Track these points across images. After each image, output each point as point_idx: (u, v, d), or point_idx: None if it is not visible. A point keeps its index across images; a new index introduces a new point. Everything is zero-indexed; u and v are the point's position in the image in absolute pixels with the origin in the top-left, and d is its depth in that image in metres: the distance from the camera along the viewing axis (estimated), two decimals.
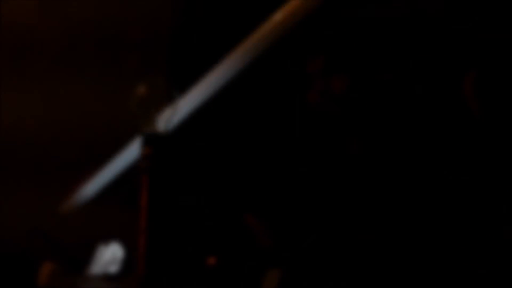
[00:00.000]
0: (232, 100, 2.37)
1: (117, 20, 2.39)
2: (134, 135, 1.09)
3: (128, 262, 1.37)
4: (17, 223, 1.85)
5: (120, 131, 2.26)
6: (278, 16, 1.30)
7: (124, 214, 1.65)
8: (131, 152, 1.42)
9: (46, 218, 1.67)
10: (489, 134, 1.13)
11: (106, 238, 1.46)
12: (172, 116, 1.09)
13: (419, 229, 1.35)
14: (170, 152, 1.09)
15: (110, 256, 1.40)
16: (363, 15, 1.69)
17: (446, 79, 1.19)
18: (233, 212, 1.63)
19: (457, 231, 1.32)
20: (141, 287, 0.99)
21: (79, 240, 1.63)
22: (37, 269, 1.39)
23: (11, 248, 1.56)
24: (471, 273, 1.26)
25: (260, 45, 1.30)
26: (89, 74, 2.39)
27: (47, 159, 2.36)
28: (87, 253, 1.44)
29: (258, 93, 2.40)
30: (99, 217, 1.61)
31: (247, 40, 1.31)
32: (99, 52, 2.40)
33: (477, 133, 1.16)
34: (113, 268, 1.37)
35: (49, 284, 1.38)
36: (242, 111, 2.33)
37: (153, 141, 1.05)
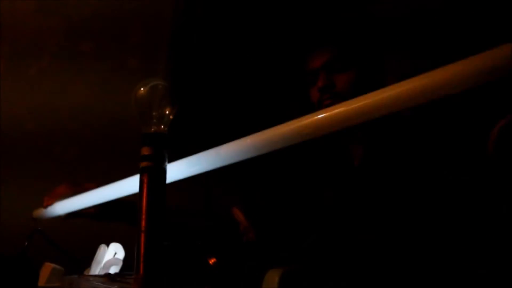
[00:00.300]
0: (232, 98, 2.37)
1: (118, 20, 2.39)
2: (133, 137, 1.09)
3: (128, 262, 1.37)
4: (17, 223, 1.85)
5: (120, 131, 2.27)
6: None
7: None
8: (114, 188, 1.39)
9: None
10: (498, 173, 1.10)
11: (107, 238, 1.46)
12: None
13: (419, 229, 1.34)
14: (170, 152, 1.09)
15: (110, 256, 1.40)
16: (371, 12, 1.68)
17: (465, 99, 1.11)
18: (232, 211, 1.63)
19: (457, 231, 1.31)
20: (141, 287, 0.99)
21: (79, 240, 1.63)
22: (37, 269, 1.39)
23: (11, 248, 1.56)
24: (471, 273, 1.26)
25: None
26: (89, 74, 2.40)
27: (48, 158, 2.36)
28: (87, 253, 1.44)
29: (258, 92, 2.40)
30: None
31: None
32: (99, 52, 2.40)
33: (486, 168, 1.14)
34: (113, 268, 1.37)
35: (49, 284, 1.38)
36: (242, 110, 2.33)
37: (153, 141, 1.04)
